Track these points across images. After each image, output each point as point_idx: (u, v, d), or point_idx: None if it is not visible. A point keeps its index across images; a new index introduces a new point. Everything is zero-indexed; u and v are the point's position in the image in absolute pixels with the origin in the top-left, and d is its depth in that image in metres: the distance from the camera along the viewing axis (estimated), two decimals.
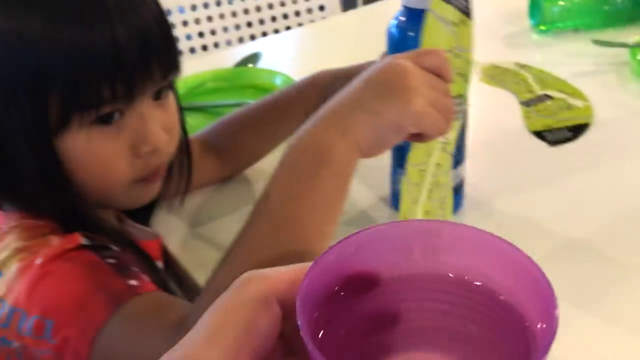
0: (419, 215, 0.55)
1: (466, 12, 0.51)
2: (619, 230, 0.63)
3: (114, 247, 0.50)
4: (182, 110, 0.59)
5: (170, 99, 0.55)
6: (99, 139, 0.49)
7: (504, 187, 0.70)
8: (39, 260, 0.46)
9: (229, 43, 1.36)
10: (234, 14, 1.35)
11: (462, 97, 0.56)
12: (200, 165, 0.70)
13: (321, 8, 1.39)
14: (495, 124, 0.82)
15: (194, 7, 1.30)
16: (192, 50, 1.30)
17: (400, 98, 0.45)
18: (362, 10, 1.35)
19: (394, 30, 0.57)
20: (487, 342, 0.22)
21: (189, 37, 1.29)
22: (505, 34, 1.08)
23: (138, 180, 0.53)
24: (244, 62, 1.03)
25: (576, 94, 0.86)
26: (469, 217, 0.66)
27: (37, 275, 0.45)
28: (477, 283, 0.22)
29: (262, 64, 1.03)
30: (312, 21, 1.38)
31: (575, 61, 0.95)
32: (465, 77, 0.55)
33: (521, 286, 0.21)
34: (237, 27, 1.36)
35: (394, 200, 0.67)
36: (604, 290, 0.56)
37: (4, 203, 0.51)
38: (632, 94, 0.87)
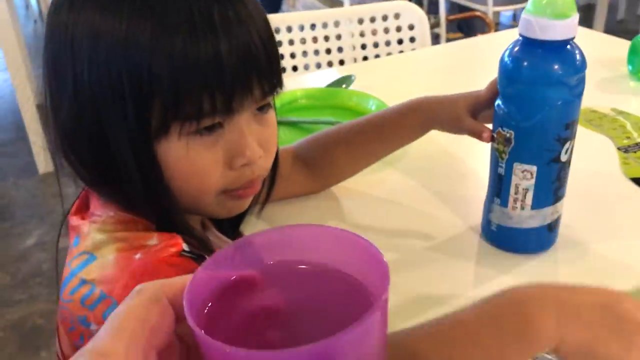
0: None
1: None
2: None
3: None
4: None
5: (271, 115, 0.55)
6: (196, 148, 0.49)
7: (598, 230, 0.69)
8: (138, 256, 0.46)
9: (318, 66, 1.39)
10: (326, 38, 1.39)
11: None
12: (291, 176, 0.72)
13: (412, 40, 1.41)
14: (592, 167, 0.80)
15: (289, 29, 1.34)
16: (284, 70, 1.35)
17: (626, 341, 0.40)
18: (451, 45, 1.37)
19: (508, 60, 0.58)
20: (340, 308, 0.27)
21: (282, 57, 1.34)
22: (603, 78, 1.07)
23: (229, 191, 0.53)
24: (337, 83, 1.06)
25: None
26: (560, 256, 0.65)
27: (139, 272, 0.46)
28: (333, 268, 0.28)
29: (354, 87, 1.05)
30: (401, 52, 1.41)
31: None
32: None
33: (362, 261, 0.27)
34: (328, 51, 1.40)
35: (486, 229, 0.67)
36: None
37: (104, 195, 0.52)
38: None
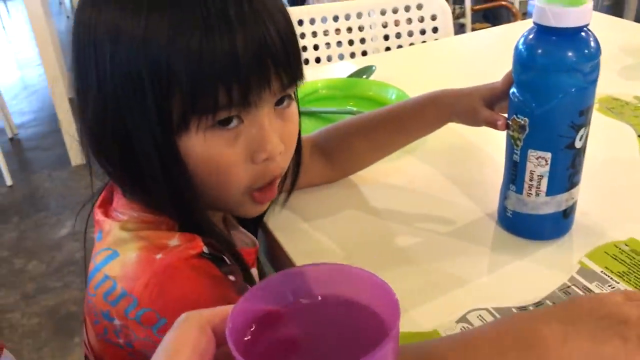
0: None
1: None
2: None
3: (228, 260, 0.52)
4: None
5: (292, 110, 0.55)
6: (217, 142, 0.50)
7: (615, 217, 0.69)
8: (159, 256, 0.48)
9: (341, 57, 1.41)
10: (349, 29, 1.40)
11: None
12: (310, 165, 0.73)
13: (434, 30, 1.42)
14: (611, 154, 0.80)
15: (312, 21, 1.36)
16: (306, 61, 1.37)
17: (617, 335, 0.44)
18: (474, 34, 1.36)
19: (522, 47, 0.58)
20: (359, 337, 0.31)
21: (304, 49, 1.36)
22: (626, 66, 1.06)
23: (253, 190, 0.54)
24: (358, 73, 1.07)
25: None
26: (576, 242, 0.65)
27: (160, 273, 0.47)
28: (347, 299, 0.33)
29: (375, 77, 1.06)
30: (424, 42, 1.41)
31: None
32: None
33: (376, 295, 0.31)
34: (351, 42, 1.41)
35: (502, 215, 0.68)
36: None
37: (128, 193, 0.54)
38: None
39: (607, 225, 0.67)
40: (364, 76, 1.05)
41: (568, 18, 0.55)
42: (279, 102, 0.53)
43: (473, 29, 2.77)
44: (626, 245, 0.64)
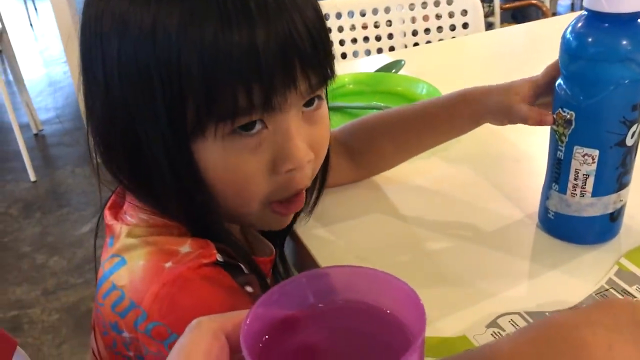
0: None
1: None
2: None
3: (244, 269, 0.48)
4: None
5: (323, 111, 0.49)
6: (237, 149, 0.45)
7: None
8: (169, 264, 0.44)
9: (367, 53, 1.37)
10: (376, 25, 1.36)
11: None
12: (333, 165, 0.68)
13: (465, 26, 1.37)
14: None
15: (338, 15, 1.33)
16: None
17: None
18: (504, 30, 1.32)
19: (571, 36, 0.54)
20: (381, 344, 0.29)
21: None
22: None
23: (273, 202, 0.49)
24: (386, 68, 1.03)
25: None
26: (624, 248, 0.60)
27: (169, 283, 0.43)
28: (370, 304, 0.31)
29: (404, 72, 1.02)
30: (453, 38, 1.36)
31: None
32: None
33: (400, 301, 0.29)
34: (378, 37, 1.37)
35: (543, 217, 0.63)
36: None
37: (139, 197, 0.49)
38: None
39: None
40: (393, 71, 1.02)
41: (622, 3, 0.50)
42: (308, 104, 0.47)
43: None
44: None
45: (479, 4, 1.36)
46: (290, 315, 0.30)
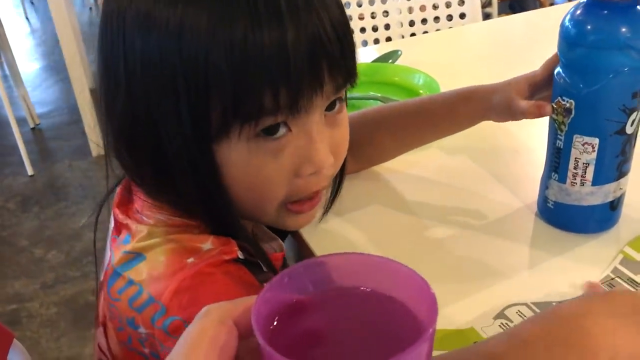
0: None
1: None
2: None
3: (263, 267, 0.48)
4: None
5: (344, 114, 0.49)
6: (261, 152, 0.44)
7: None
8: (191, 260, 0.44)
9: (364, 44, 1.36)
10: (372, 15, 1.35)
11: None
12: None
13: (462, 16, 1.36)
14: None
15: None
16: None
17: None
18: (502, 20, 1.31)
19: (569, 23, 0.53)
20: (390, 333, 0.29)
21: None
22: None
23: (291, 202, 0.49)
24: (383, 58, 1.02)
25: None
26: (623, 237, 0.60)
27: (191, 278, 0.43)
28: (379, 292, 0.30)
29: (400, 62, 1.01)
30: (450, 28, 1.35)
31: None
32: None
33: (411, 290, 0.29)
34: (375, 28, 1.36)
35: (543, 207, 0.63)
36: None
37: (156, 196, 0.48)
38: None
39: None
40: (390, 61, 1.01)
41: None
42: (330, 107, 0.47)
43: None
44: None
45: None
46: (299, 300, 0.30)
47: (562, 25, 0.54)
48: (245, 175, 0.45)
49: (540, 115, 0.58)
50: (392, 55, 1.02)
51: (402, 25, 1.37)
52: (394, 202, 0.70)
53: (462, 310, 0.53)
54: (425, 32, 1.37)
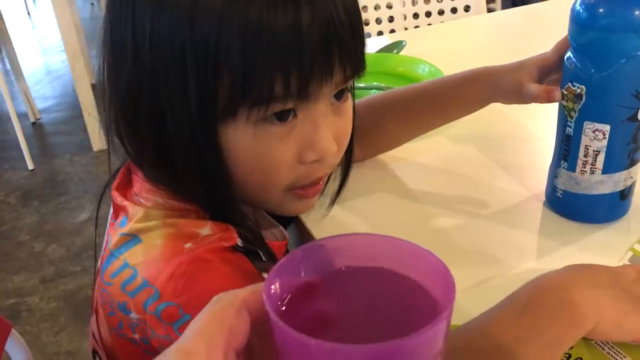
0: None
1: None
2: None
3: (263, 256, 0.47)
4: None
5: (349, 103, 0.49)
6: (267, 137, 0.44)
7: None
8: (189, 245, 0.43)
9: (368, 36, 1.35)
10: (376, 7, 1.34)
11: None
12: None
13: (466, 9, 1.35)
14: None
15: None
16: None
17: None
18: (508, 12, 1.29)
19: (581, 7, 0.52)
20: (405, 312, 0.28)
21: None
22: None
23: (295, 188, 0.49)
24: (387, 49, 1.01)
25: None
26: (634, 226, 0.59)
27: (187, 264, 0.42)
28: (394, 272, 0.29)
29: (405, 53, 1.00)
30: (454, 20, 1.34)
31: None
32: None
33: (427, 270, 0.28)
34: (378, 20, 1.35)
35: (551, 196, 0.61)
36: None
37: (154, 179, 0.48)
38: None
39: None
40: (394, 51, 1.00)
41: None
42: (337, 96, 0.47)
43: None
44: None
45: None
46: (312, 280, 0.29)
47: (573, 8, 0.53)
48: (250, 158, 0.45)
49: (549, 100, 0.56)
50: (397, 46, 1.01)
51: (405, 18, 1.36)
52: (399, 190, 0.68)
53: (467, 301, 0.51)
54: (429, 24, 1.36)
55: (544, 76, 0.60)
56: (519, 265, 0.56)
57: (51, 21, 3.89)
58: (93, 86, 2.31)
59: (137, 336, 0.43)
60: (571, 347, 0.44)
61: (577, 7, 0.53)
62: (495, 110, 0.67)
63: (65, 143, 2.50)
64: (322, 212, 0.61)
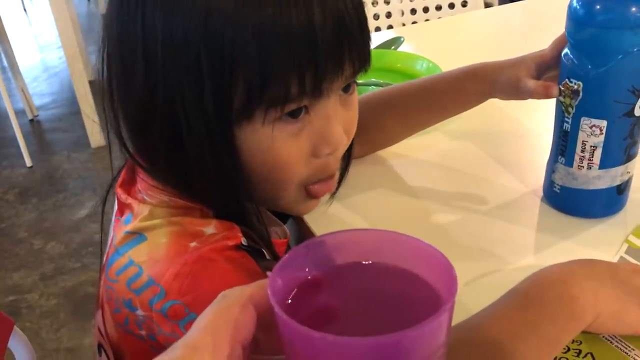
0: None
1: None
2: None
3: (267, 254, 0.47)
4: None
5: (355, 95, 0.50)
6: (282, 136, 0.44)
7: None
8: (194, 244, 0.43)
9: None
10: (374, 3, 1.34)
11: None
12: None
13: (464, 4, 1.35)
14: None
15: None
16: None
17: None
18: (505, 7, 1.29)
19: (578, 3, 0.52)
20: (408, 305, 0.29)
21: None
22: None
23: (309, 184, 0.49)
24: (385, 45, 1.01)
25: None
26: (630, 221, 0.59)
27: (192, 263, 0.42)
28: (396, 266, 0.30)
29: (402, 50, 1.00)
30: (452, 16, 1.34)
31: None
32: None
33: (431, 266, 0.28)
34: (376, 16, 1.35)
35: (548, 191, 0.62)
36: None
37: (160, 178, 0.47)
38: None
39: None
40: (392, 48, 1.00)
41: None
42: (345, 89, 0.47)
43: None
44: None
45: None
46: (315, 276, 0.30)
47: (570, 5, 0.53)
48: (266, 157, 0.45)
49: (547, 96, 0.57)
50: (394, 42, 1.01)
51: (403, 14, 1.36)
52: (398, 186, 0.69)
53: (466, 296, 0.52)
54: (427, 20, 1.36)
55: (542, 72, 0.61)
56: (517, 260, 0.56)
57: (48, 18, 3.87)
58: (91, 83, 2.31)
59: (143, 332, 0.44)
60: (580, 343, 0.45)
61: (574, 3, 0.53)
62: (494, 107, 0.67)
63: (63, 140, 2.50)
64: (321, 209, 0.61)
